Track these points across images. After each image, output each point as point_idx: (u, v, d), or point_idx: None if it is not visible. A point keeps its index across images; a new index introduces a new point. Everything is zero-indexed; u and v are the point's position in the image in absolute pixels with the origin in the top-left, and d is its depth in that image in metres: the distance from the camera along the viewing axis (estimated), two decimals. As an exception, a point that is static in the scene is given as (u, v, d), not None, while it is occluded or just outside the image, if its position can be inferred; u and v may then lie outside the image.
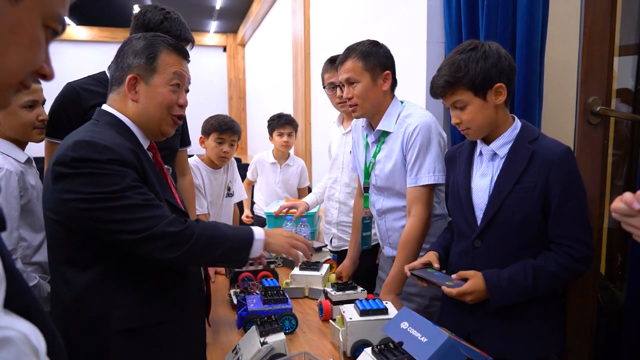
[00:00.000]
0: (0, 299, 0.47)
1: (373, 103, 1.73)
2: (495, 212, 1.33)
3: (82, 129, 1.21)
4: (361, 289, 1.69)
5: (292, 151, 3.50)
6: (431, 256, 1.48)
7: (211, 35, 9.95)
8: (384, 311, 1.35)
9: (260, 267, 1.83)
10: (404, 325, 1.23)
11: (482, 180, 1.40)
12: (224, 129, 2.40)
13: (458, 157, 1.50)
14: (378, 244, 2.02)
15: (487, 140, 1.40)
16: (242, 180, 3.14)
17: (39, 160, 1.81)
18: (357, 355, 1.25)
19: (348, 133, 2.30)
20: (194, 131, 2.24)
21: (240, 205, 3.02)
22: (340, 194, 2.33)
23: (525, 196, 1.30)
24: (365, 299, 1.66)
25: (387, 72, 1.73)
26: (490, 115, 1.34)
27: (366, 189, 1.91)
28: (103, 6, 7.45)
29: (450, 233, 1.57)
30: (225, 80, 10.28)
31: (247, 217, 3.31)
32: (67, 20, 0.59)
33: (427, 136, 1.67)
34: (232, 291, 1.83)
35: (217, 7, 7.86)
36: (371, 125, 1.83)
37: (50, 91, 1.64)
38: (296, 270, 1.89)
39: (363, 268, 2.10)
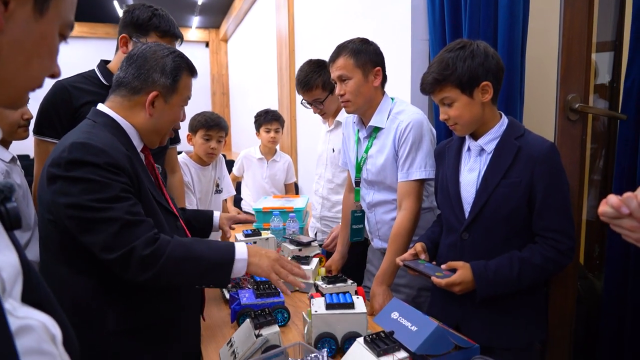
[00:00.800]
0: (17, 291, 0.50)
1: (365, 99, 1.77)
2: (482, 206, 1.39)
3: (79, 128, 1.22)
4: (351, 281, 1.73)
5: (278, 147, 3.53)
6: (417, 247, 1.53)
7: (193, 30, 9.86)
8: (350, 305, 1.36)
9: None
10: (395, 315, 1.27)
11: (470, 175, 1.45)
12: (211, 126, 2.41)
13: (447, 152, 1.55)
14: (366, 238, 2.06)
15: (475, 136, 1.45)
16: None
17: (22, 158, 1.81)
18: (321, 348, 1.29)
19: (332, 131, 2.34)
20: (182, 129, 2.24)
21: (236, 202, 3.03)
22: (323, 190, 2.38)
23: (511, 191, 1.35)
24: (355, 292, 1.71)
25: (378, 68, 1.77)
26: (476, 112, 1.39)
27: (357, 183, 1.95)
28: (82, 1, 7.32)
29: (439, 226, 1.62)
30: (208, 76, 10.21)
31: (238, 213, 3.32)
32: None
33: (419, 133, 1.72)
34: (224, 286, 1.86)
35: (199, 2, 7.80)
36: (362, 121, 1.87)
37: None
38: (287, 265, 1.91)
39: (351, 261, 2.14)
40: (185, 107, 1.38)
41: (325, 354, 1.15)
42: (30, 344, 0.47)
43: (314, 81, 2.17)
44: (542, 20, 2.03)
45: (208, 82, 10.21)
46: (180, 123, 1.40)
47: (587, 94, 1.65)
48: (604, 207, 0.88)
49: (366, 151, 1.86)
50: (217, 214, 1.68)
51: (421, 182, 1.74)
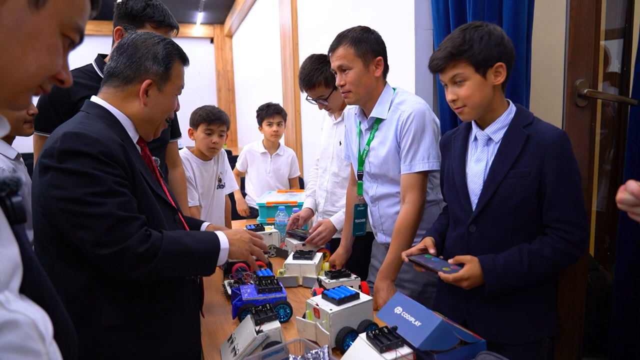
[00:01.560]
0: (15, 284, 0.50)
1: (366, 89, 1.73)
2: (490, 198, 1.34)
3: (72, 120, 1.19)
4: (355, 276, 1.70)
5: (282, 141, 3.50)
6: (427, 242, 1.49)
7: (198, 27, 9.83)
8: (357, 296, 1.36)
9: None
10: (398, 310, 1.24)
11: (477, 166, 1.40)
12: (212, 120, 2.38)
13: (453, 142, 1.50)
14: (371, 232, 2.03)
15: (482, 125, 1.40)
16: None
17: (27, 157, 1.79)
18: (346, 343, 1.26)
19: (338, 123, 2.30)
20: (184, 123, 2.22)
21: (231, 196, 3.02)
22: (328, 184, 2.34)
23: (520, 181, 1.30)
24: (359, 286, 1.68)
25: (379, 58, 1.73)
26: (487, 95, 1.34)
27: (360, 177, 1.91)
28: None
29: (446, 218, 1.58)
30: (214, 72, 10.18)
31: (245, 211, 3.30)
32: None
33: (421, 123, 1.67)
34: (226, 282, 1.83)
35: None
36: (364, 113, 1.83)
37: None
38: (290, 260, 1.89)
39: (356, 256, 2.11)
40: (190, 104, 1.36)
41: (326, 350, 1.12)
42: (13, 340, 0.46)
43: (316, 78, 2.12)
44: (548, 6, 1.98)
45: (213, 78, 10.19)
46: (182, 118, 1.38)
47: (596, 79, 1.60)
48: (623, 194, 0.84)
49: (368, 143, 1.82)
50: (205, 225, 1.64)
51: (425, 174, 1.70)
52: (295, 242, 2.19)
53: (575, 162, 1.31)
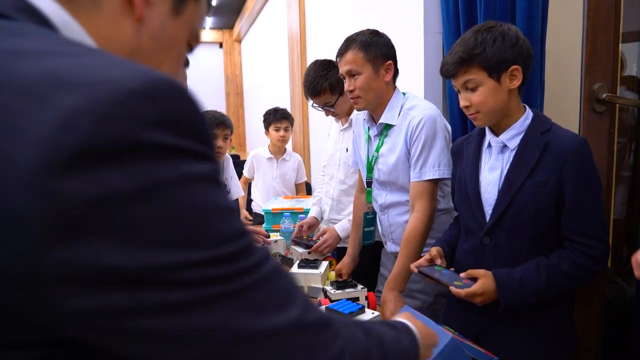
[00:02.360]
0: None
1: (376, 94, 1.68)
2: (505, 208, 1.27)
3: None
4: (361, 286, 1.64)
5: (289, 146, 3.45)
6: (433, 252, 1.42)
7: (207, 31, 9.86)
8: (362, 311, 1.31)
9: None
10: None
11: (491, 174, 1.34)
12: (216, 124, 2.35)
13: (465, 149, 1.44)
14: (379, 241, 1.97)
15: (497, 131, 1.33)
16: (239, 178, 3.09)
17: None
18: None
19: (345, 130, 2.25)
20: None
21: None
22: (334, 191, 2.28)
23: (537, 191, 1.24)
24: (366, 297, 1.63)
25: (389, 62, 1.68)
26: (502, 100, 1.27)
27: (369, 184, 1.85)
28: None
29: (457, 228, 1.52)
30: (222, 77, 10.20)
31: (246, 218, 3.25)
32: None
33: (432, 129, 1.62)
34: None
35: (213, 2, 7.78)
36: (373, 118, 1.78)
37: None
38: (295, 268, 1.84)
39: (363, 265, 2.06)
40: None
41: None
42: None
43: (321, 85, 2.07)
44: (563, 7, 1.92)
45: (222, 82, 10.21)
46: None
47: (615, 83, 1.53)
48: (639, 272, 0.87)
49: (377, 150, 1.77)
50: None
51: (435, 182, 1.64)
52: (300, 250, 2.14)
53: (596, 171, 1.24)
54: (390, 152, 1.71)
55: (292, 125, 3.18)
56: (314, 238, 2.21)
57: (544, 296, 1.24)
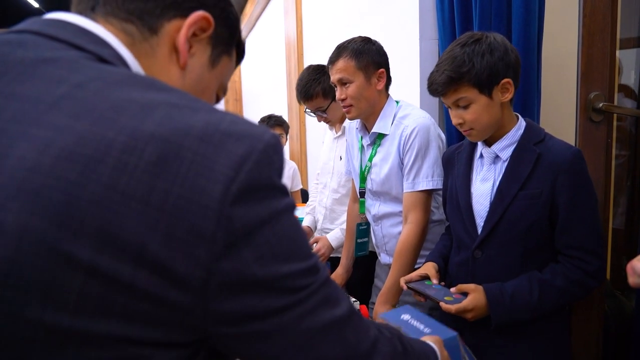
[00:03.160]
0: None
1: (368, 103, 1.64)
2: (497, 221, 1.23)
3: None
4: (353, 299, 1.60)
5: (285, 154, 3.42)
6: (429, 269, 1.38)
7: (206, 37, 9.86)
8: None
9: None
10: (405, 317, 1.11)
11: (483, 186, 1.30)
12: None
13: (457, 158, 1.40)
14: (374, 251, 1.93)
15: (489, 142, 1.30)
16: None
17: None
18: None
19: (339, 137, 2.21)
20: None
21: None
22: (327, 200, 2.24)
23: (530, 203, 1.20)
24: (357, 311, 1.58)
25: (381, 70, 1.64)
26: (495, 114, 1.23)
27: (362, 194, 1.82)
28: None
29: (449, 239, 1.48)
30: (221, 83, 10.20)
31: None
32: None
33: (425, 139, 1.58)
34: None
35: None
36: (365, 127, 1.75)
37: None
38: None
39: (358, 276, 2.01)
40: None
41: None
42: None
43: (314, 89, 2.04)
44: (559, 14, 1.89)
45: (221, 89, 10.20)
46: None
47: (612, 91, 1.49)
48: (634, 279, 0.86)
49: (370, 159, 1.73)
50: None
51: (429, 193, 1.60)
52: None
53: (591, 183, 1.20)
54: (383, 162, 1.68)
55: (286, 132, 3.16)
56: None
57: (536, 312, 1.20)
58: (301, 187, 3.41)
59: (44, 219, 0.40)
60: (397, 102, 1.72)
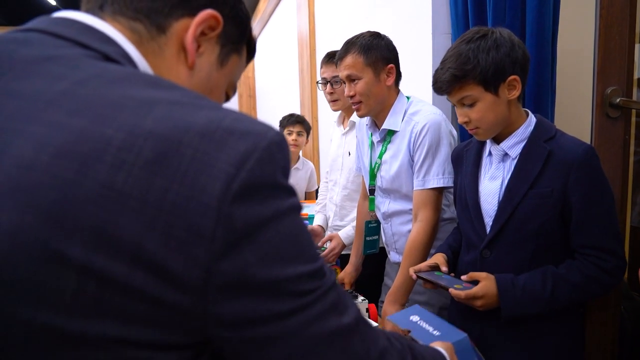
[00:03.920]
0: None
1: (377, 100, 1.62)
2: (506, 220, 1.20)
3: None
4: (362, 298, 1.59)
5: (301, 153, 3.42)
6: (439, 258, 1.36)
7: (220, 33, 9.90)
8: None
9: None
10: (414, 318, 1.10)
11: (492, 184, 1.27)
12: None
13: (465, 156, 1.37)
14: (384, 248, 1.91)
15: (498, 139, 1.26)
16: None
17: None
18: None
19: (347, 133, 2.19)
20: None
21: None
22: (337, 197, 2.22)
23: (540, 202, 1.16)
24: (367, 309, 1.57)
25: (391, 65, 1.62)
26: (502, 112, 1.20)
27: (372, 191, 1.80)
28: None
29: (460, 233, 1.45)
30: (235, 79, 10.23)
31: None
32: None
33: (436, 135, 1.55)
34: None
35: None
36: (376, 124, 1.72)
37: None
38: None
39: (368, 274, 2.00)
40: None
41: None
42: None
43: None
44: (575, 6, 1.84)
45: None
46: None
47: (630, 86, 1.44)
48: None
49: (380, 156, 1.71)
50: None
51: (439, 191, 1.57)
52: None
53: (605, 180, 1.16)
54: (393, 159, 1.65)
55: (307, 131, 3.15)
56: (319, 245, 2.15)
57: (548, 307, 1.16)
58: (317, 187, 3.41)
59: (38, 218, 0.39)
60: (407, 97, 1.69)
